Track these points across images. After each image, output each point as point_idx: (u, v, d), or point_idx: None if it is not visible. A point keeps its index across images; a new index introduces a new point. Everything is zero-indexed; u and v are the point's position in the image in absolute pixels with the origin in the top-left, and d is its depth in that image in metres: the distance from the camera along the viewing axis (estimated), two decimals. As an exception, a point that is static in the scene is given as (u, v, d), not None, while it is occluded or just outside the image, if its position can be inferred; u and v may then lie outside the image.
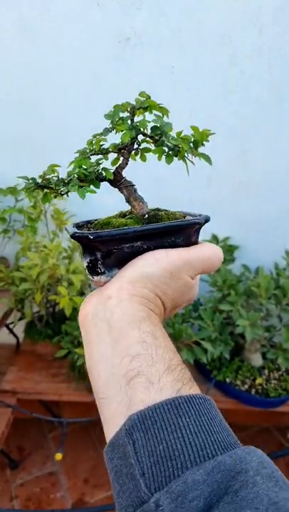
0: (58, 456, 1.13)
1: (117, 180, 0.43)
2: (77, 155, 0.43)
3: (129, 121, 0.42)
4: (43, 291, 1.09)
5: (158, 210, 0.45)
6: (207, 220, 0.43)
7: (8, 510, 1.13)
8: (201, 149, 0.43)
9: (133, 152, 0.43)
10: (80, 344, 1.14)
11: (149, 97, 0.43)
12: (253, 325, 1.07)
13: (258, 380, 1.17)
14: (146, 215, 0.43)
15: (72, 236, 0.39)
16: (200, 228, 0.43)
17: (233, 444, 0.29)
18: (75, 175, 0.40)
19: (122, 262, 0.39)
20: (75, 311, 1.19)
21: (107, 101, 1.15)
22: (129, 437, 0.29)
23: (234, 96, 1.10)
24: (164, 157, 0.42)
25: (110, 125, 0.42)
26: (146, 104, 0.42)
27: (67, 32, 1.05)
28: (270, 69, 1.07)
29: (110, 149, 0.42)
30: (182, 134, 0.42)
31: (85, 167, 0.40)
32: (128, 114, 0.42)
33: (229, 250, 1.24)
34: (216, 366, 1.22)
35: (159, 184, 1.13)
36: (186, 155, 0.41)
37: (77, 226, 0.44)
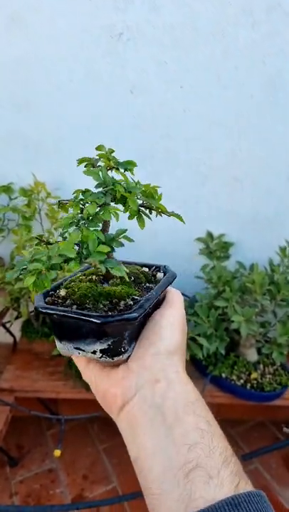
0: (57, 452, 1.14)
1: None
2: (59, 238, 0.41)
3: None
4: (39, 290, 1.09)
5: (124, 263, 0.47)
6: (174, 278, 0.47)
7: (8, 506, 1.15)
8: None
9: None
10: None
11: (112, 151, 0.46)
12: (248, 321, 1.08)
13: (253, 375, 1.18)
14: (132, 277, 0.45)
15: (108, 322, 0.35)
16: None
17: None
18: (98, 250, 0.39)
19: (135, 333, 0.39)
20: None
21: (100, 97, 1.15)
22: None
23: (228, 92, 1.10)
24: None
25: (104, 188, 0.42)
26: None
27: (59, 26, 1.04)
28: (264, 64, 1.06)
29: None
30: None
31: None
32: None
33: (224, 247, 1.25)
34: (212, 362, 1.23)
35: (154, 181, 1.12)
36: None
37: (47, 295, 0.42)
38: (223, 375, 1.19)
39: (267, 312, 1.18)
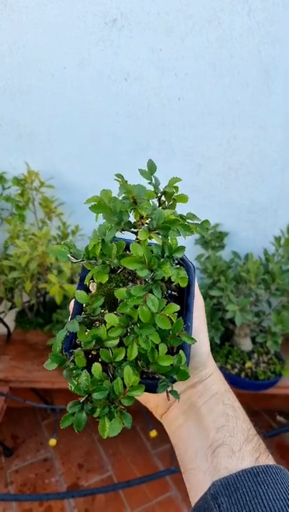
0: (52, 441, 1.15)
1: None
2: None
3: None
4: (33, 279, 1.09)
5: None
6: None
7: (3, 494, 1.15)
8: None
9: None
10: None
11: (125, 181, 0.35)
12: (243, 310, 1.08)
13: (248, 364, 1.19)
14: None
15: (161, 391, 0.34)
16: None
17: None
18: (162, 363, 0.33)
19: None
20: (66, 299, 1.19)
21: (93, 84, 1.13)
22: (215, 501, 0.33)
23: (223, 80, 1.09)
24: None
25: (149, 276, 0.32)
26: (184, 232, 0.34)
27: (52, 12, 1.02)
28: (260, 52, 1.06)
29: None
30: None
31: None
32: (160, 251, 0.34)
33: (219, 237, 1.25)
34: (207, 351, 1.23)
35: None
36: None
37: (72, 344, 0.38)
38: (218, 365, 1.20)
39: (261, 301, 1.18)
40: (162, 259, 0.33)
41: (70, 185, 1.20)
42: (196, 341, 0.35)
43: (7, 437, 1.38)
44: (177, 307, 0.33)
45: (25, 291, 1.12)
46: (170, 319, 0.32)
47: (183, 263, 0.43)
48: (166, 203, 0.38)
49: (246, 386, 1.17)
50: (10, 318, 1.31)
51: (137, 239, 0.33)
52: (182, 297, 0.41)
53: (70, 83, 1.10)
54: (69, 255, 0.36)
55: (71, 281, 1.10)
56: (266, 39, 1.05)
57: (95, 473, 1.27)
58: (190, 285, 0.41)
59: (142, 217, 0.33)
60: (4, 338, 1.35)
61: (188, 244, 1.27)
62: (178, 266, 0.40)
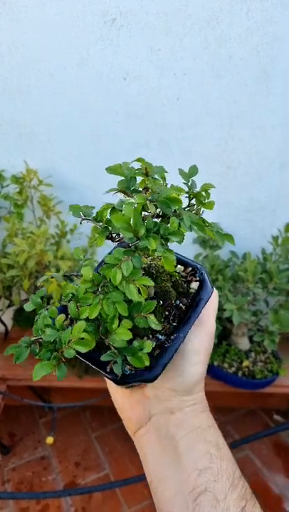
0: (49, 440, 1.15)
1: None
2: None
3: (156, 230, 0.33)
4: (31, 277, 1.09)
5: (149, 267, 0.41)
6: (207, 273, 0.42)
7: (0, 493, 1.15)
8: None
9: None
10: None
11: (150, 167, 0.35)
12: (240, 309, 1.09)
13: (245, 363, 1.19)
14: (160, 301, 0.39)
15: (126, 383, 0.35)
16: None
17: None
18: (123, 338, 0.33)
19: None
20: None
21: (92, 83, 1.13)
22: None
23: (221, 80, 1.09)
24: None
25: (132, 241, 0.32)
26: (175, 206, 0.33)
27: (51, 12, 1.02)
28: (258, 52, 1.06)
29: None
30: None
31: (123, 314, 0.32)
32: (153, 220, 0.33)
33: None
34: (204, 350, 1.24)
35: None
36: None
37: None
38: (215, 363, 1.20)
39: (259, 301, 1.19)
40: (153, 234, 0.32)
41: (68, 183, 1.21)
42: (160, 328, 0.34)
43: (4, 435, 1.38)
44: (150, 283, 0.31)
45: (23, 289, 1.12)
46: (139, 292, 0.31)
47: (202, 280, 0.41)
48: (195, 206, 0.38)
49: (243, 385, 1.18)
50: (8, 317, 1.31)
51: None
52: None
53: (69, 83, 1.10)
54: (81, 213, 0.36)
55: (69, 279, 1.10)
56: (265, 39, 1.05)
57: (92, 471, 1.27)
58: (199, 301, 0.40)
59: (146, 188, 0.33)
60: (2, 336, 1.35)
61: (186, 243, 1.28)
62: (192, 272, 0.41)
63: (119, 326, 0.32)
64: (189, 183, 0.38)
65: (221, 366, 1.20)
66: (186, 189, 0.38)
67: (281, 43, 1.05)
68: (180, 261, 0.43)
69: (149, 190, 0.33)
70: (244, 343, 1.24)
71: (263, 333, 1.16)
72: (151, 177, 0.34)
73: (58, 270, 1.07)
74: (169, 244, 0.34)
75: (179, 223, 0.33)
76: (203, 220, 0.36)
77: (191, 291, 0.41)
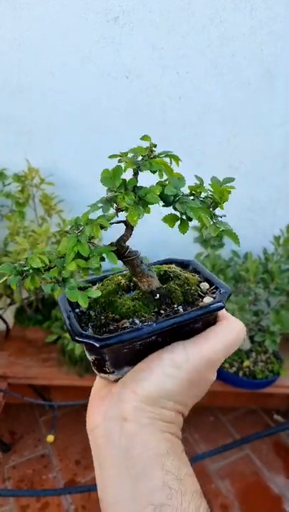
0: (50, 438, 1.15)
1: (121, 254, 0.37)
2: (69, 233, 0.35)
3: (132, 188, 0.34)
4: (32, 276, 1.09)
5: (167, 275, 0.40)
6: (229, 295, 0.38)
7: (1, 490, 1.15)
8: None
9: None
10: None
11: (154, 146, 0.36)
12: (242, 309, 1.08)
13: (246, 363, 1.19)
14: (158, 295, 0.38)
15: (76, 340, 0.34)
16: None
17: None
18: (70, 269, 0.32)
19: (133, 359, 0.35)
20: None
21: (94, 81, 1.13)
22: None
23: (224, 78, 1.09)
24: (177, 224, 0.35)
25: (109, 193, 0.34)
26: (154, 168, 0.34)
27: (53, 9, 1.02)
28: (262, 51, 1.06)
29: (111, 218, 0.35)
30: (196, 188, 0.36)
31: (82, 254, 0.32)
32: (131, 177, 0.35)
33: (219, 235, 1.25)
34: (205, 350, 1.24)
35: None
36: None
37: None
38: (216, 363, 1.20)
39: (260, 300, 1.18)
40: (128, 191, 0.33)
41: (70, 182, 1.20)
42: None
43: (5, 433, 1.39)
44: (107, 224, 0.33)
45: (24, 287, 1.12)
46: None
47: (220, 295, 0.38)
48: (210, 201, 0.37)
49: (244, 385, 1.18)
50: (9, 315, 1.31)
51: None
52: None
53: (70, 80, 1.10)
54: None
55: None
56: (268, 38, 1.04)
57: (92, 469, 1.27)
58: (198, 309, 0.37)
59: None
60: (3, 334, 1.35)
61: (187, 243, 1.27)
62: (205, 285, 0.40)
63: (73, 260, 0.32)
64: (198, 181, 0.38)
65: (221, 366, 1.19)
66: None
67: (285, 41, 1.05)
68: (209, 280, 0.41)
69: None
70: (245, 343, 1.23)
71: (264, 333, 1.16)
72: (156, 156, 0.35)
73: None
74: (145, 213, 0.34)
75: (163, 190, 0.34)
76: (211, 214, 0.35)
77: (200, 303, 0.38)
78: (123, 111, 1.12)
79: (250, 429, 1.41)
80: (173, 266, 0.43)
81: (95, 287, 0.40)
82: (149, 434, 0.31)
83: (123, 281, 0.41)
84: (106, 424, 0.33)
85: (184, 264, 0.45)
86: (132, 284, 0.41)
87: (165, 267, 0.42)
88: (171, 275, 0.41)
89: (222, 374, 1.19)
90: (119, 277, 0.42)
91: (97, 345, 0.32)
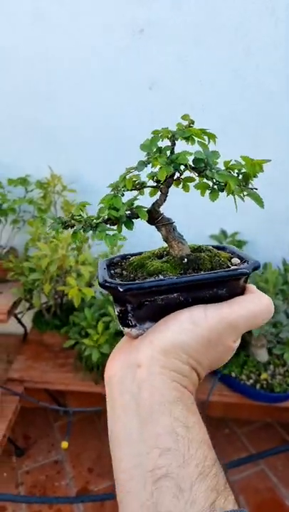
0: (64, 444, 1.15)
1: (154, 218, 0.39)
2: (109, 190, 0.38)
3: (168, 153, 0.37)
4: (52, 281, 1.10)
5: (200, 249, 0.41)
6: (256, 267, 0.38)
7: (14, 496, 1.16)
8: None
9: (176, 180, 0.39)
10: (87, 335, 1.15)
11: (193, 122, 0.38)
12: (261, 320, 1.07)
13: (263, 375, 1.17)
14: (186, 259, 0.38)
15: (102, 285, 0.36)
16: (248, 277, 0.38)
17: None
18: (105, 217, 0.36)
19: (155, 314, 0.35)
20: (83, 302, 1.20)
21: (119, 92, 1.15)
22: None
23: (248, 90, 1.09)
24: (208, 192, 0.37)
25: (146, 157, 0.37)
26: (187, 134, 0.36)
27: (81, 21, 1.05)
28: (286, 63, 1.06)
29: (146, 183, 0.39)
30: (230, 163, 0.37)
31: (116, 207, 0.36)
32: (168, 144, 0.37)
33: (237, 246, 1.24)
34: (222, 360, 1.22)
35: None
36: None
37: (111, 263, 0.42)
38: (233, 375, 1.19)
39: (279, 312, 1.17)
40: (161, 154, 0.37)
41: (91, 189, 1.22)
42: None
43: (19, 437, 1.39)
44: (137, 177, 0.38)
45: (43, 292, 1.13)
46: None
47: (248, 264, 0.38)
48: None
49: (261, 398, 1.16)
50: (27, 319, 1.33)
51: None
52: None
53: (96, 90, 1.12)
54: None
55: (89, 285, 1.11)
56: (292, 50, 1.05)
57: (105, 478, 1.26)
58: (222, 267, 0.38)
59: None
60: (21, 338, 1.37)
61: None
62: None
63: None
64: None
65: (238, 378, 1.18)
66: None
67: (309, 53, 1.05)
68: (241, 257, 0.42)
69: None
70: (263, 355, 1.22)
71: (283, 346, 1.14)
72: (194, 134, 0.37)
73: (78, 275, 1.08)
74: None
75: (197, 161, 0.37)
76: (239, 182, 0.37)
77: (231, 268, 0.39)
78: (146, 121, 1.14)
79: (265, 444, 1.38)
80: (209, 246, 0.44)
81: (134, 257, 0.42)
82: (159, 381, 0.32)
83: (158, 251, 0.43)
84: (122, 371, 0.34)
85: (220, 248, 0.45)
86: (165, 252, 0.42)
87: (200, 245, 0.43)
88: (204, 249, 0.42)
89: (239, 386, 1.17)
90: (156, 250, 0.43)
91: (121, 289, 0.34)
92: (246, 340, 1.23)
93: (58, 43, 1.07)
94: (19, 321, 1.31)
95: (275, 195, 1.21)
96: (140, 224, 0.40)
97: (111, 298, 0.38)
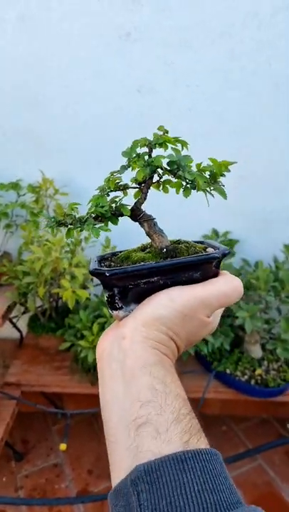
0: (63, 446, 1.16)
1: (137, 215, 0.44)
2: (97, 192, 0.44)
3: (146, 157, 0.42)
4: (46, 284, 1.11)
5: (178, 242, 0.46)
6: (225, 254, 0.42)
7: (13, 499, 1.16)
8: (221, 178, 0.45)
9: (155, 183, 0.44)
10: (82, 337, 1.16)
11: (167, 132, 0.43)
12: (253, 317, 1.09)
13: (258, 371, 1.19)
14: (165, 249, 0.43)
15: (92, 272, 0.40)
16: (219, 262, 0.42)
17: (235, 503, 0.30)
18: (92, 214, 0.42)
19: (139, 297, 0.40)
20: (78, 304, 1.21)
21: (108, 94, 1.17)
22: (134, 488, 0.30)
23: (234, 92, 1.11)
24: (182, 190, 0.42)
25: (126, 162, 0.43)
26: (161, 141, 0.42)
27: (68, 25, 1.06)
28: (270, 65, 1.08)
29: (129, 185, 0.44)
30: (202, 166, 0.43)
31: (102, 205, 0.41)
32: (146, 150, 0.43)
33: (229, 244, 1.26)
34: (217, 358, 1.24)
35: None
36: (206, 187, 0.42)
37: (102, 259, 0.46)
38: (228, 371, 1.20)
39: (271, 309, 1.19)
40: (140, 159, 0.42)
41: (83, 192, 1.23)
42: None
43: (17, 442, 1.39)
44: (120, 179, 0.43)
45: (38, 295, 1.14)
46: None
47: (220, 250, 0.42)
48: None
49: (256, 393, 1.18)
50: (23, 323, 1.33)
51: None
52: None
53: (84, 94, 1.13)
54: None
55: (84, 287, 1.12)
56: (276, 52, 1.07)
57: (104, 479, 1.27)
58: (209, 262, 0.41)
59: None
60: (17, 343, 1.37)
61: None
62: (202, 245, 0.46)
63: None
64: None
65: (233, 374, 1.19)
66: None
67: (292, 55, 1.08)
68: (214, 246, 0.46)
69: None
70: (257, 351, 1.24)
71: (275, 341, 1.16)
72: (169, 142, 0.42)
73: (72, 277, 1.10)
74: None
75: (171, 163, 0.42)
76: (207, 179, 0.42)
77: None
78: (135, 124, 1.16)
79: (262, 439, 1.40)
80: (188, 240, 0.48)
81: (122, 252, 0.47)
82: (140, 348, 0.37)
83: (142, 245, 0.48)
84: (110, 345, 0.39)
85: (199, 242, 0.49)
86: (148, 246, 0.46)
87: (179, 239, 0.48)
88: (182, 241, 0.46)
89: (234, 382, 1.19)
90: (141, 245, 0.48)
91: (107, 274, 0.39)
92: (240, 337, 1.25)
93: (46, 47, 1.09)
94: (14, 326, 1.32)
95: (266, 194, 1.24)
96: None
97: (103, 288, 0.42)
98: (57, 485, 1.26)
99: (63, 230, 1.30)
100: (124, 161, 0.43)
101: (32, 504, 1.17)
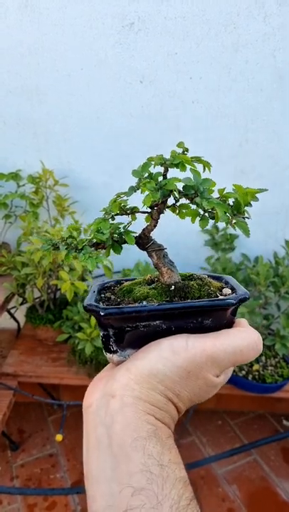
0: (58, 437, 1.16)
1: (145, 243, 0.39)
2: (101, 214, 0.38)
3: (160, 178, 0.36)
4: (45, 276, 1.11)
5: (191, 277, 0.40)
6: (243, 300, 0.36)
7: (9, 488, 1.16)
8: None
9: (171, 206, 0.38)
10: (80, 329, 1.15)
11: (187, 150, 0.37)
12: (252, 312, 1.09)
13: (255, 367, 1.19)
14: (173, 286, 0.37)
15: (85, 308, 0.36)
16: (236, 309, 0.36)
17: None
18: (90, 241, 0.37)
19: (137, 342, 0.34)
20: (77, 296, 1.21)
21: (109, 85, 1.15)
22: None
23: (238, 84, 1.10)
24: (198, 220, 0.36)
25: (136, 183, 0.37)
26: (177, 161, 0.35)
27: (71, 14, 1.05)
28: (275, 58, 1.07)
29: (138, 209, 0.38)
30: (224, 192, 0.36)
31: (103, 231, 0.36)
32: (160, 170, 0.37)
33: (229, 239, 1.25)
34: (214, 352, 1.24)
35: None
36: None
37: (103, 288, 0.41)
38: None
39: (270, 304, 1.19)
40: (151, 180, 0.36)
41: (83, 183, 1.23)
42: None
43: (14, 431, 1.40)
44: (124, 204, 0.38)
45: (36, 287, 1.14)
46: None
47: (237, 295, 0.37)
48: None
49: (253, 388, 1.17)
50: (21, 314, 1.33)
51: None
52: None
53: (86, 84, 1.12)
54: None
55: (82, 279, 1.12)
56: (281, 44, 1.06)
57: (99, 470, 1.28)
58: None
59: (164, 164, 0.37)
60: (14, 333, 1.37)
61: (198, 246, 1.28)
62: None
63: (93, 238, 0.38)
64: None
65: (230, 369, 1.19)
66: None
67: (298, 47, 1.06)
68: (232, 287, 0.40)
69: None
70: (254, 347, 1.23)
71: (274, 337, 1.16)
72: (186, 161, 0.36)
73: (71, 269, 1.09)
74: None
75: (186, 188, 0.36)
76: (227, 209, 0.36)
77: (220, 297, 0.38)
78: (136, 115, 1.14)
79: (258, 434, 1.41)
80: (204, 275, 0.42)
81: (126, 282, 0.42)
82: (131, 413, 0.30)
83: (149, 277, 0.42)
84: (98, 401, 0.32)
85: (216, 277, 0.43)
86: (156, 279, 0.41)
87: (193, 273, 0.42)
88: (195, 277, 0.40)
89: (231, 377, 1.19)
90: (148, 276, 0.42)
91: (102, 313, 0.33)
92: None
93: (48, 36, 1.07)
94: (12, 316, 1.32)
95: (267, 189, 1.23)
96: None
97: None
98: (52, 475, 1.27)
99: (63, 222, 1.27)
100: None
101: (27, 494, 1.18)
